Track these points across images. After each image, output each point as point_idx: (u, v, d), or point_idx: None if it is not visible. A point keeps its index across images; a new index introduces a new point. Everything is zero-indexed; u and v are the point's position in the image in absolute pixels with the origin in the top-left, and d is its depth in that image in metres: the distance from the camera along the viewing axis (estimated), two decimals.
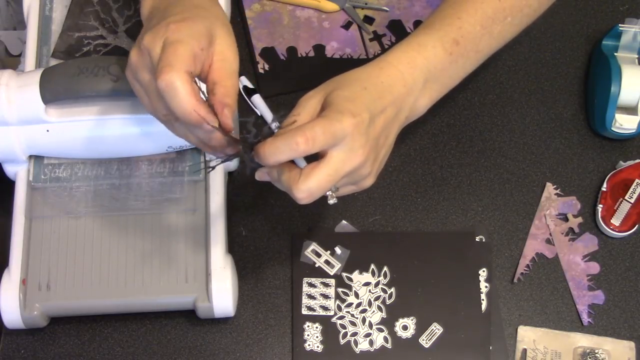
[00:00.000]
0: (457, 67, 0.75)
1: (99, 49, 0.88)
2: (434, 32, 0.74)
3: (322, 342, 0.81)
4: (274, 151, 0.64)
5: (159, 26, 0.65)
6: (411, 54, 0.72)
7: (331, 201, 0.69)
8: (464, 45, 0.74)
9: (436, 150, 0.90)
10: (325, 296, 0.83)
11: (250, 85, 0.90)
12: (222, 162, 0.68)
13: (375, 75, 0.70)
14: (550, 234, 0.87)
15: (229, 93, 0.65)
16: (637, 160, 0.89)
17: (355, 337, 0.81)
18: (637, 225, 0.86)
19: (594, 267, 0.85)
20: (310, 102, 0.68)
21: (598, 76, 0.91)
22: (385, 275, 0.84)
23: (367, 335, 0.81)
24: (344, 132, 0.64)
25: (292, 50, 0.94)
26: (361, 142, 0.66)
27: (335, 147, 0.65)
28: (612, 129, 0.88)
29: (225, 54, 0.66)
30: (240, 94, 0.89)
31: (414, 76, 0.72)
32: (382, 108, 0.69)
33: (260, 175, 0.70)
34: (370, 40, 0.95)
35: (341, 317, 0.82)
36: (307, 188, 0.65)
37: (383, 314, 0.82)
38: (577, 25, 0.97)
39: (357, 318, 0.82)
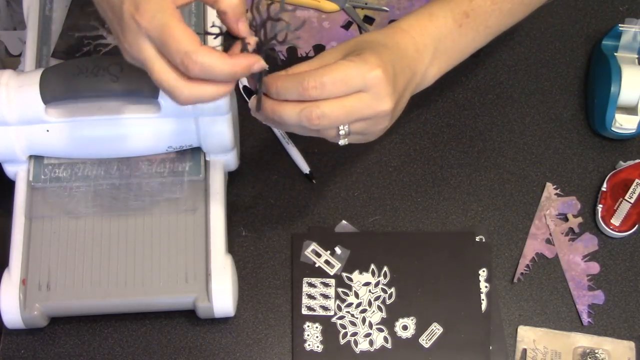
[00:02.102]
0: (467, 41, 0.77)
1: (99, 49, 0.88)
2: (445, 3, 0.76)
3: (322, 342, 0.81)
4: (282, 91, 0.65)
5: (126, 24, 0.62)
6: (423, 22, 0.74)
7: (342, 141, 0.69)
8: (474, 19, 0.76)
9: (436, 150, 0.90)
10: (325, 296, 0.83)
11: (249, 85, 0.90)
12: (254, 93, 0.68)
13: (391, 38, 0.72)
14: (550, 234, 0.87)
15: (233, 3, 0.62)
16: (637, 160, 0.89)
17: (355, 337, 0.81)
18: (637, 225, 0.86)
19: (594, 267, 0.85)
20: (327, 56, 0.69)
21: (598, 76, 0.91)
22: (385, 275, 0.84)
23: (367, 335, 0.81)
24: (371, 78, 0.66)
25: (292, 50, 0.94)
26: (388, 91, 0.67)
27: (363, 92, 0.66)
28: (612, 129, 0.88)
29: None
30: (240, 95, 0.89)
31: (425, 43, 0.73)
32: (401, 67, 0.70)
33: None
34: None
35: (341, 317, 0.82)
36: (321, 111, 0.65)
37: (383, 314, 0.82)
38: (577, 25, 0.97)
39: (357, 318, 0.82)
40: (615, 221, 0.86)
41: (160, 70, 0.62)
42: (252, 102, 0.69)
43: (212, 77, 0.61)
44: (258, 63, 0.63)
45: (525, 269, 0.85)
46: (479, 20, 0.76)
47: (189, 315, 0.81)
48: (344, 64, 0.66)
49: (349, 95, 0.66)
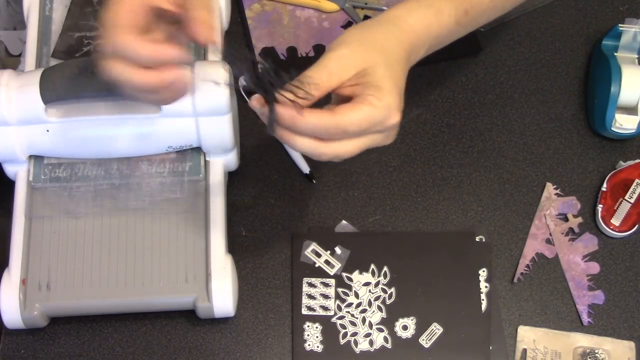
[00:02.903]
0: (455, 37, 0.76)
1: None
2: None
3: (322, 342, 0.81)
4: (303, 131, 0.63)
5: None
6: (429, 19, 0.73)
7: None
8: (472, 16, 0.75)
9: (436, 150, 0.90)
10: (325, 296, 0.83)
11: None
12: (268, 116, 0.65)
13: (400, 39, 0.70)
14: (550, 234, 0.87)
15: (202, 27, 0.63)
16: (637, 160, 0.89)
17: (355, 337, 0.81)
18: (637, 225, 0.86)
19: (594, 267, 0.85)
20: (333, 64, 0.66)
21: (598, 76, 0.91)
22: (385, 275, 0.84)
23: (367, 335, 0.81)
24: (392, 124, 0.66)
25: (292, 50, 0.94)
26: (398, 120, 0.67)
27: (380, 133, 0.67)
28: (612, 129, 0.88)
29: None
30: (240, 95, 0.89)
31: (426, 40, 0.73)
32: (405, 70, 0.70)
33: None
34: None
35: (341, 317, 0.82)
36: (334, 153, 0.65)
37: (383, 314, 0.82)
38: (577, 25, 0.97)
39: (357, 318, 0.82)
40: (615, 221, 0.86)
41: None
42: (261, 109, 0.66)
43: (130, 58, 0.62)
44: (178, 54, 0.62)
45: (525, 269, 0.85)
46: (474, 18, 0.76)
47: (189, 315, 0.81)
48: (370, 111, 0.65)
49: (364, 136, 0.66)
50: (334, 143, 0.65)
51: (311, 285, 0.83)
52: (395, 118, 0.66)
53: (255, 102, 0.64)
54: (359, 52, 0.67)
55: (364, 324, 0.82)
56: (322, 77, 0.65)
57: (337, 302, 0.83)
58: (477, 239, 0.86)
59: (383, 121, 0.65)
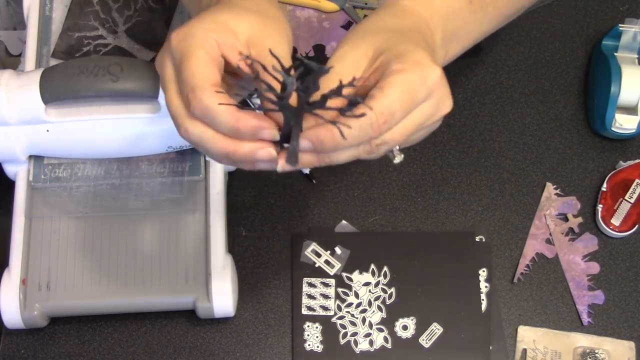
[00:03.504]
0: (475, 22, 0.67)
1: (99, 49, 0.88)
2: None
3: (322, 342, 0.81)
4: (343, 145, 0.54)
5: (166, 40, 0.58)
6: None
7: (397, 159, 0.60)
8: None
9: (436, 150, 0.90)
10: (325, 296, 0.83)
11: None
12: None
13: (403, 18, 0.62)
14: (550, 234, 0.87)
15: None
16: (637, 160, 0.89)
17: (355, 337, 0.81)
18: (637, 225, 0.86)
19: (594, 267, 0.85)
20: (350, 56, 0.58)
21: (598, 76, 0.91)
22: (385, 275, 0.84)
23: (367, 335, 0.81)
24: (433, 82, 0.56)
25: (292, 50, 0.94)
26: (448, 88, 0.57)
27: (426, 101, 0.56)
28: (612, 129, 0.88)
29: (262, 42, 0.57)
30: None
31: (434, 21, 0.63)
32: (425, 44, 0.61)
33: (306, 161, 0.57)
34: None
35: (341, 317, 0.82)
36: (381, 140, 0.55)
37: (383, 314, 0.82)
38: (577, 25, 0.97)
39: (357, 318, 0.82)
40: (615, 221, 0.86)
41: (172, 95, 0.58)
42: (278, 159, 0.56)
43: (213, 124, 0.55)
44: (268, 131, 0.54)
45: (525, 269, 0.85)
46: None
47: (189, 315, 0.81)
48: (402, 79, 0.55)
49: (412, 112, 0.56)
50: (383, 134, 0.55)
51: (311, 285, 0.83)
52: (434, 72, 0.56)
53: (266, 153, 0.55)
54: (361, 40, 0.59)
55: (364, 324, 0.82)
56: (332, 80, 0.55)
57: (337, 302, 0.83)
58: (477, 239, 0.86)
59: (423, 82, 0.55)
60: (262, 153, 0.55)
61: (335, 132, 0.53)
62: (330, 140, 0.54)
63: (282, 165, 0.56)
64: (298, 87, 0.53)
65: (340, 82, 0.53)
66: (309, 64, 0.52)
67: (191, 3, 0.69)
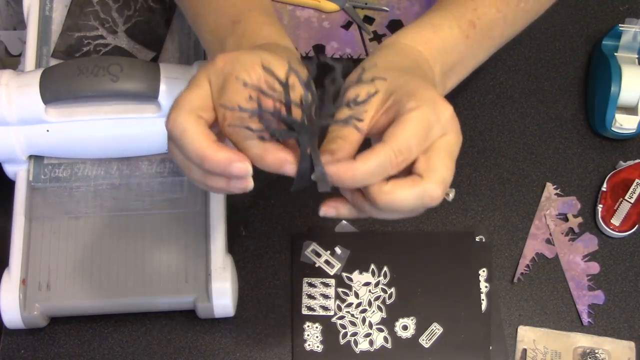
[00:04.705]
0: (471, 55, 0.70)
1: (99, 49, 0.88)
2: (447, 13, 0.68)
3: (322, 342, 0.81)
4: (362, 182, 0.55)
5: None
6: (426, 34, 0.66)
7: (451, 196, 0.61)
8: (480, 28, 0.68)
9: None
10: (325, 296, 0.83)
11: None
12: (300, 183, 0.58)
13: (406, 57, 0.64)
14: (550, 234, 0.87)
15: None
16: (637, 160, 0.89)
17: (355, 337, 0.81)
18: (637, 225, 0.86)
19: (594, 267, 0.85)
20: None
21: (598, 76, 0.91)
22: (385, 275, 0.84)
23: (367, 335, 0.81)
24: (447, 118, 0.58)
25: None
26: (450, 109, 0.58)
27: (446, 134, 0.58)
28: (612, 129, 0.88)
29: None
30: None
31: (433, 57, 0.65)
32: (425, 80, 0.63)
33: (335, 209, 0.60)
34: (370, 40, 0.95)
35: (341, 317, 0.82)
36: (434, 189, 0.56)
37: (383, 314, 0.82)
38: (577, 25, 0.97)
39: (357, 318, 0.82)
40: (615, 221, 0.86)
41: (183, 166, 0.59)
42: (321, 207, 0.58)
43: (237, 144, 0.57)
44: (290, 166, 0.56)
45: (525, 269, 0.85)
46: (484, 31, 0.69)
47: (189, 315, 0.81)
48: (418, 116, 0.56)
49: (446, 153, 0.58)
50: (430, 184, 0.57)
51: (311, 285, 0.83)
52: (447, 109, 0.58)
53: (331, 209, 0.59)
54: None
55: (364, 324, 0.82)
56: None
57: (337, 302, 0.83)
58: (477, 239, 0.86)
59: (438, 119, 0.57)
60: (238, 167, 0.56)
61: (353, 167, 0.55)
62: (349, 178, 0.55)
63: (324, 211, 0.59)
64: (315, 104, 0.54)
65: (349, 98, 0.54)
66: (332, 63, 0.53)
67: (212, 46, 0.70)
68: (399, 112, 0.57)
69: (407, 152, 0.56)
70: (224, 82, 0.58)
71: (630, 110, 0.89)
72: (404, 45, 0.65)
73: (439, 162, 0.57)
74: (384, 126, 0.58)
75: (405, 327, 0.82)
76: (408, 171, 0.58)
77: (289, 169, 0.56)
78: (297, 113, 0.54)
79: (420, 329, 0.81)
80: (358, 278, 0.84)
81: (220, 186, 0.58)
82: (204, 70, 0.59)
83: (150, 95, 0.77)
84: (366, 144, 0.59)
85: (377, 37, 0.95)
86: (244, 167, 0.55)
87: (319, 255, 0.84)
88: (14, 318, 0.77)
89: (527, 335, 0.82)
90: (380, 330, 0.82)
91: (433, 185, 0.56)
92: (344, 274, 0.84)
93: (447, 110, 0.58)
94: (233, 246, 0.84)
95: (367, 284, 0.83)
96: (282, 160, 0.56)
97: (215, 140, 0.56)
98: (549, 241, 0.86)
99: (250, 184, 0.57)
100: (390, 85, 0.59)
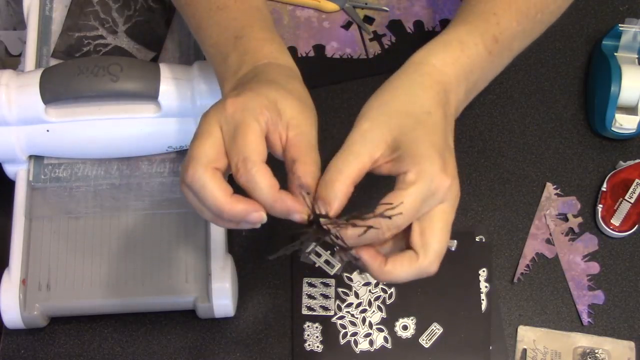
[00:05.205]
0: (493, 69, 0.71)
1: (99, 49, 0.88)
2: (473, 28, 0.68)
3: (322, 342, 0.81)
4: (360, 242, 0.61)
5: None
6: (454, 53, 0.66)
7: (453, 246, 0.68)
8: (502, 43, 0.69)
9: None
10: (325, 296, 0.83)
11: None
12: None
13: (428, 88, 0.64)
14: (550, 234, 0.87)
15: (309, 171, 0.60)
16: (637, 160, 0.89)
17: (355, 337, 0.81)
18: (637, 225, 0.86)
19: (594, 267, 0.85)
20: (370, 141, 0.61)
21: (598, 76, 0.91)
22: None
23: (367, 335, 0.81)
24: (440, 190, 0.60)
25: (292, 50, 0.94)
26: (448, 183, 0.61)
27: (444, 202, 0.61)
28: (612, 129, 0.88)
29: (300, 127, 0.61)
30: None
31: (458, 78, 0.66)
32: (448, 113, 0.64)
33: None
34: (370, 40, 0.95)
35: (341, 317, 0.82)
36: (431, 263, 0.61)
37: (383, 314, 0.82)
38: (577, 25, 0.97)
39: (357, 318, 0.82)
40: (615, 221, 0.86)
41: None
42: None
43: (252, 193, 0.60)
44: (299, 216, 0.61)
45: (525, 269, 0.85)
46: (505, 45, 0.69)
47: (189, 315, 0.81)
48: (416, 192, 0.59)
49: (440, 224, 0.60)
50: (429, 261, 0.61)
51: (311, 285, 0.83)
52: (443, 182, 0.59)
53: (370, 258, 0.61)
54: (382, 122, 0.61)
55: (364, 324, 0.82)
56: (349, 161, 0.61)
57: (337, 302, 0.83)
58: (477, 239, 0.86)
59: (434, 193, 0.59)
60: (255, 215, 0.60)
61: (351, 232, 0.61)
62: (351, 237, 0.61)
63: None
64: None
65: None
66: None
67: (214, 58, 0.70)
68: (398, 179, 0.60)
69: (402, 224, 0.60)
70: (235, 130, 0.60)
71: (630, 110, 0.89)
72: (433, 67, 0.65)
73: (433, 238, 0.60)
74: (383, 173, 0.62)
75: (405, 327, 0.82)
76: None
77: (297, 218, 0.61)
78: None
79: (420, 329, 0.81)
80: (358, 278, 0.84)
81: (231, 226, 0.61)
82: (214, 115, 0.60)
83: (150, 95, 0.77)
84: None
85: (377, 37, 0.95)
86: (259, 216, 0.60)
87: (319, 255, 0.84)
88: (14, 318, 0.77)
89: (527, 335, 0.82)
90: (380, 330, 0.82)
91: (429, 263, 0.61)
92: (344, 274, 0.84)
93: (445, 183, 0.60)
94: (233, 246, 0.84)
95: (367, 284, 0.83)
96: (290, 209, 0.60)
97: (232, 194, 0.59)
98: (549, 241, 0.86)
99: (260, 223, 0.61)
100: (399, 135, 0.61)
